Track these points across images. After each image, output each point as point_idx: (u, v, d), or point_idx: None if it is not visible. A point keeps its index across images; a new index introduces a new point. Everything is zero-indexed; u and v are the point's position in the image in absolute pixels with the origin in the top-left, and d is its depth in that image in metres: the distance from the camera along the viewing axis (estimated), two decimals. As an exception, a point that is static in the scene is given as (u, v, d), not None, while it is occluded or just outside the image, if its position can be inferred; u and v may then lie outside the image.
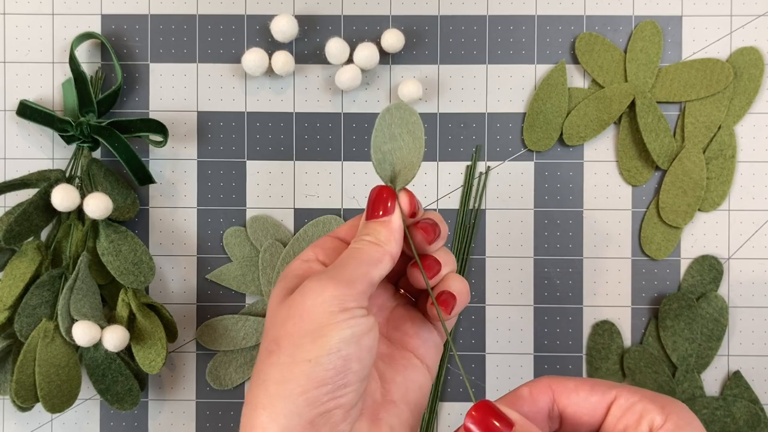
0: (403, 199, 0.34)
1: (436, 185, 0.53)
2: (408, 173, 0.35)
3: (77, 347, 0.48)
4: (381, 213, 0.33)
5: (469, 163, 0.53)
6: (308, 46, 0.53)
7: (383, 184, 0.34)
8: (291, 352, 0.29)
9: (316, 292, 0.30)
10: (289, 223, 0.53)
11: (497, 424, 0.27)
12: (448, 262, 0.35)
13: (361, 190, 0.53)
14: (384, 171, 0.34)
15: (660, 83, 0.52)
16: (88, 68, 0.52)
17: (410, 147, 0.35)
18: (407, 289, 0.37)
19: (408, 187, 0.34)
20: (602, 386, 0.29)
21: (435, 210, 0.53)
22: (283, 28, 0.51)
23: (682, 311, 0.52)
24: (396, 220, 0.33)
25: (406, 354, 0.35)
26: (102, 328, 0.47)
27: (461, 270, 0.52)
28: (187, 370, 0.53)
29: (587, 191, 0.53)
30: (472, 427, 0.27)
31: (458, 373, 0.53)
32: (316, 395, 0.29)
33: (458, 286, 0.35)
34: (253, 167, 0.53)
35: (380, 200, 0.34)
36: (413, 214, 0.34)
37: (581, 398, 0.29)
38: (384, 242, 0.33)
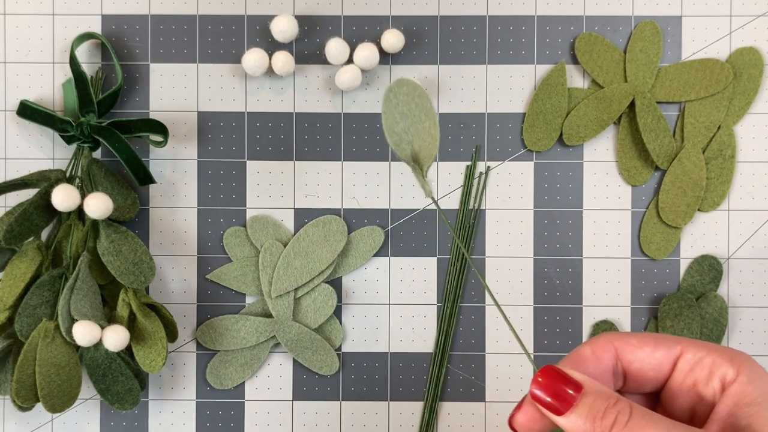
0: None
1: (436, 185, 0.53)
2: (431, 148, 0.32)
3: (77, 347, 0.48)
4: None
5: (469, 163, 0.53)
6: (308, 46, 0.53)
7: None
8: None
9: None
10: (289, 223, 0.53)
11: (565, 388, 0.26)
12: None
13: (361, 190, 0.53)
14: (403, 152, 0.32)
15: (660, 83, 0.52)
16: (88, 68, 0.52)
17: (423, 121, 0.32)
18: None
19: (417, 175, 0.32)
20: (666, 341, 0.28)
21: (435, 210, 0.53)
22: (283, 28, 0.51)
23: (682, 311, 0.52)
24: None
25: None
26: (102, 328, 0.47)
27: (461, 270, 0.53)
28: (187, 370, 0.53)
29: (587, 191, 0.53)
30: (539, 393, 0.26)
31: (458, 373, 0.53)
32: None
33: None
34: (253, 167, 0.53)
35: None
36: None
37: (646, 354, 0.28)
38: None
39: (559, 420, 0.26)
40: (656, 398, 0.30)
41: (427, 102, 0.32)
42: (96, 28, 0.53)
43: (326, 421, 0.53)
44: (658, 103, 0.52)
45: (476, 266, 0.30)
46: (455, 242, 0.53)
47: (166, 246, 0.53)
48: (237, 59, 0.53)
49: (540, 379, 0.27)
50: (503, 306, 0.53)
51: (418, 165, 0.31)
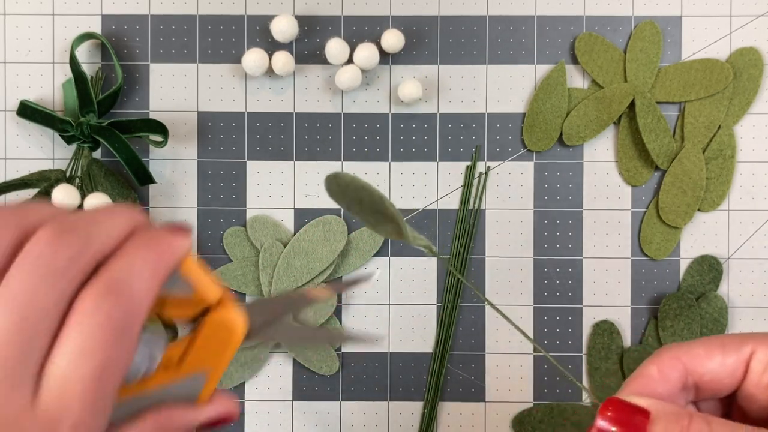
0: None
1: (436, 185, 0.53)
2: (398, 217, 0.32)
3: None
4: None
5: (468, 163, 0.53)
6: (308, 46, 0.53)
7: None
8: None
9: None
10: (289, 223, 0.53)
11: (634, 417, 0.25)
12: None
13: (361, 190, 0.53)
14: (385, 230, 0.32)
15: (660, 83, 0.52)
16: (88, 68, 0.52)
17: (372, 201, 0.32)
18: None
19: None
20: (734, 342, 0.27)
21: (435, 210, 0.53)
22: (283, 28, 0.51)
23: (682, 311, 0.52)
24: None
25: None
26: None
27: (461, 270, 0.53)
28: (187, 370, 0.53)
29: (587, 191, 0.53)
30: (607, 426, 0.25)
31: (458, 373, 0.53)
32: None
33: None
34: (253, 167, 0.53)
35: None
36: None
37: (717, 364, 0.27)
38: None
39: None
40: (730, 399, 0.29)
41: (357, 185, 0.32)
42: (96, 28, 0.53)
43: (326, 421, 0.53)
44: (658, 103, 0.52)
45: (474, 287, 0.30)
46: (454, 247, 0.53)
47: (166, 246, 0.53)
48: (237, 59, 0.53)
49: (608, 413, 0.26)
50: (503, 306, 0.53)
51: (398, 224, 0.31)
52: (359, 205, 0.32)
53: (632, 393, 0.26)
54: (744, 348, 0.27)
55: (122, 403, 0.25)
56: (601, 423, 0.26)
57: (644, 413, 0.25)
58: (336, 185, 0.32)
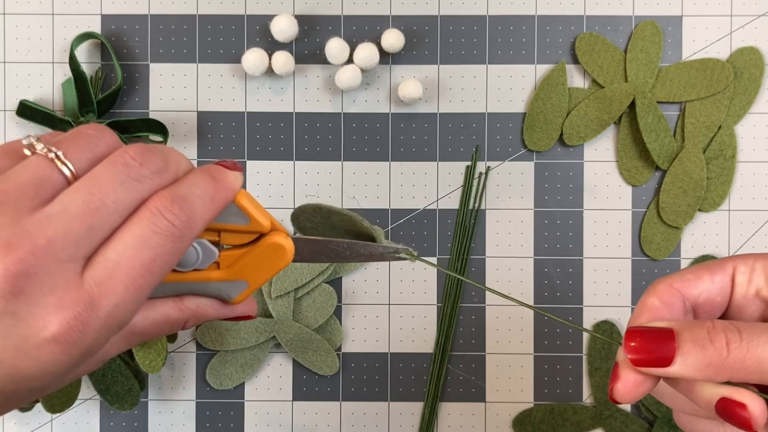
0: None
1: (436, 185, 0.53)
2: (372, 230, 0.33)
3: (77, 347, 0.48)
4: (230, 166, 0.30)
5: (469, 163, 0.53)
6: (308, 46, 0.53)
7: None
8: None
9: None
10: (289, 223, 0.53)
11: (659, 339, 0.26)
12: None
13: (361, 190, 0.53)
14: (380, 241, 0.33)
15: (660, 83, 0.52)
16: (88, 68, 0.52)
17: (343, 222, 0.33)
18: None
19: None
20: (717, 264, 0.29)
21: (435, 210, 0.53)
22: (283, 28, 0.51)
23: (682, 311, 0.52)
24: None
25: None
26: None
27: (461, 270, 0.52)
28: (187, 370, 0.53)
29: (587, 191, 0.53)
30: (637, 357, 0.26)
31: (458, 373, 0.53)
32: None
33: None
34: (253, 167, 0.53)
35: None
36: None
37: (707, 284, 0.29)
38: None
39: (671, 370, 0.26)
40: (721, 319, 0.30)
41: (326, 213, 0.33)
42: (96, 27, 0.53)
43: (326, 421, 0.53)
44: (658, 103, 0.52)
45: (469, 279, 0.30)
46: (454, 247, 0.53)
47: (166, 246, 0.53)
48: (237, 59, 0.53)
49: (632, 344, 0.26)
50: (503, 306, 0.53)
51: (374, 237, 0.32)
52: (333, 230, 0.33)
53: (645, 323, 0.27)
54: (727, 266, 0.29)
55: (167, 284, 0.30)
56: (630, 355, 0.26)
57: (668, 332, 0.26)
58: (305, 220, 0.34)
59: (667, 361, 0.26)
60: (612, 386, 0.27)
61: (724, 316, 0.30)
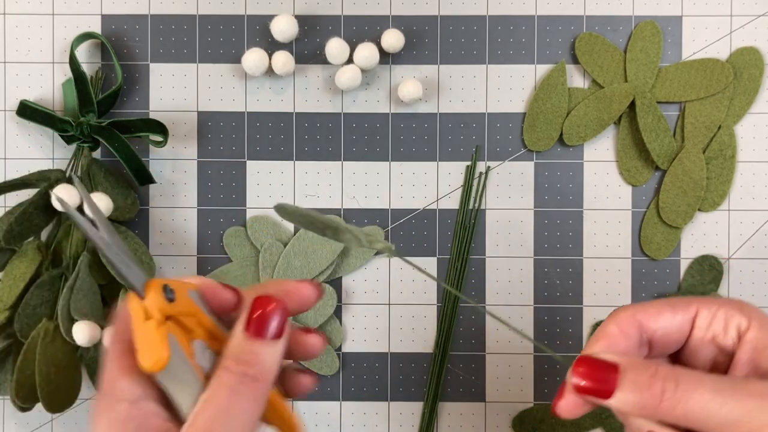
0: (309, 292, 0.31)
1: (436, 185, 0.53)
2: (350, 229, 0.33)
3: (77, 347, 0.48)
4: (272, 333, 0.28)
5: (469, 163, 0.53)
6: (308, 46, 0.53)
7: (265, 293, 0.29)
8: None
9: None
10: (289, 223, 0.53)
11: (604, 371, 0.27)
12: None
13: (361, 190, 0.53)
14: (345, 240, 0.33)
15: (660, 83, 0.52)
16: (88, 68, 0.52)
17: (322, 220, 0.33)
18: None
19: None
20: (681, 303, 0.30)
21: (435, 210, 0.53)
22: (283, 28, 0.51)
23: (682, 311, 0.52)
24: (285, 344, 0.29)
25: None
26: (102, 327, 0.47)
27: (461, 270, 0.52)
28: (187, 370, 0.53)
29: (587, 191, 0.53)
30: (580, 383, 0.28)
31: (458, 373, 0.53)
32: None
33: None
34: (253, 167, 0.53)
35: (271, 314, 0.28)
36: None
37: (667, 320, 0.30)
38: (269, 376, 0.28)
39: (609, 402, 0.27)
40: (676, 358, 0.31)
41: (300, 211, 0.33)
42: (96, 28, 0.53)
43: (326, 421, 0.53)
44: (658, 103, 0.52)
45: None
46: (454, 247, 0.53)
47: (166, 246, 0.53)
48: (237, 59, 0.53)
49: (579, 369, 0.28)
50: (503, 306, 0.53)
51: (352, 235, 0.32)
52: (312, 225, 0.33)
53: (597, 350, 0.29)
54: (690, 307, 0.30)
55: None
56: (574, 379, 0.28)
57: (613, 367, 0.27)
58: (285, 213, 0.33)
59: (606, 394, 0.27)
60: (555, 402, 0.29)
61: (679, 353, 0.31)
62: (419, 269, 0.33)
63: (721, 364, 0.30)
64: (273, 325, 0.28)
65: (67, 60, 0.51)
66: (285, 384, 0.32)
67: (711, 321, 0.29)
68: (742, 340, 0.29)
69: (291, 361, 0.32)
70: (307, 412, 0.53)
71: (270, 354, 0.28)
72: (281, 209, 0.33)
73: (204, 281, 0.30)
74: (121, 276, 0.27)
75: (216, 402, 0.27)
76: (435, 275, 0.53)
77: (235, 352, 0.28)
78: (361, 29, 0.53)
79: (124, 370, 0.28)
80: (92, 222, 0.29)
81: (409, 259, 0.32)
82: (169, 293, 0.27)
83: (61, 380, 0.47)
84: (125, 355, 0.28)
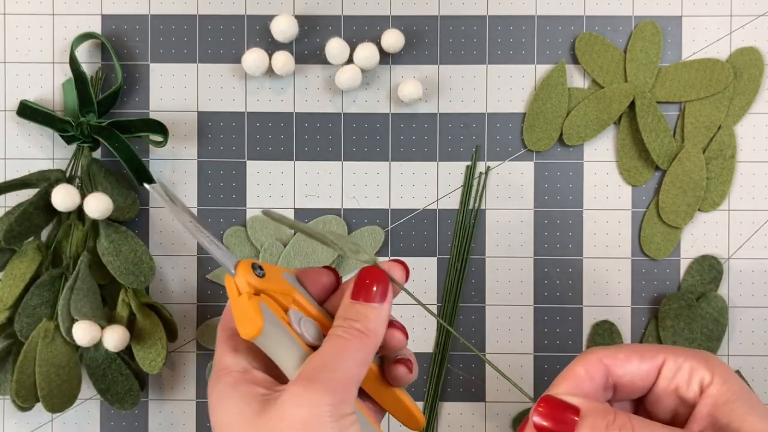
0: (399, 273, 0.33)
1: (436, 185, 0.53)
2: (337, 239, 0.34)
3: (77, 347, 0.48)
4: (376, 298, 0.32)
5: (469, 163, 0.53)
6: (308, 46, 0.53)
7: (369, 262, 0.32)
8: None
9: (311, 402, 0.29)
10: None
11: (565, 413, 0.28)
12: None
13: (361, 190, 0.53)
14: (335, 248, 0.34)
15: (660, 83, 0.52)
16: (88, 68, 0.52)
17: (307, 228, 0.34)
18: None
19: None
20: (650, 352, 0.31)
21: (435, 210, 0.53)
22: (283, 28, 0.51)
23: (682, 311, 0.52)
24: (389, 308, 0.32)
25: None
26: (102, 328, 0.47)
27: (461, 270, 0.53)
28: (187, 370, 0.53)
29: (587, 191, 0.53)
30: (541, 422, 0.28)
31: (458, 373, 0.53)
32: None
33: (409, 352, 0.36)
34: (253, 167, 0.53)
35: (374, 282, 0.32)
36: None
37: (634, 367, 0.30)
38: (375, 333, 0.31)
39: None
40: (639, 402, 0.32)
41: (286, 220, 0.34)
42: (96, 28, 0.53)
43: (326, 421, 0.53)
44: (658, 103, 0.52)
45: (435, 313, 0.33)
46: (454, 247, 0.53)
47: (166, 246, 0.53)
48: (237, 59, 0.53)
49: (540, 409, 0.29)
50: (503, 306, 0.53)
51: (336, 246, 0.33)
52: (300, 230, 0.34)
53: (563, 392, 0.30)
54: (658, 356, 0.30)
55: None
56: (535, 418, 0.29)
57: (574, 410, 0.28)
58: (272, 218, 0.34)
59: None
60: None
61: (642, 399, 0.32)
62: (404, 289, 0.34)
63: (682, 416, 0.30)
64: (377, 290, 0.32)
65: (67, 60, 0.51)
66: (386, 374, 0.35)
67: (676, 372, 0.30)
68: (703, 393, 0.29)
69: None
70: (307, 412, 0.53)
71: (376, 314, 0.31)
72: (267, 214, 0.34)
73: (301, 269, 0.34)
74: (216, 257, 0.31)
75: (324, 351, 0.30)
76: (435, 276, 0.53)
77: (343, 314, 0.31)
78: (361, 29, 0.53)
79: (229, 348, 0.31)
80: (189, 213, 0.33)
81: (394, 277, 0.34)
82: (257, 270, 0.31)
83: (61, 380, 0.47)
84: (231, 339, 0.32)
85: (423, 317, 0.53)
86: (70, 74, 0.51)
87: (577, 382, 0.30)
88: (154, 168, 0.52)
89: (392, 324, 0.34)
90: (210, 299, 0.53)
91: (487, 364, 0.53)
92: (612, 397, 0.31)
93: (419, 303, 0.34)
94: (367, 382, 0.34)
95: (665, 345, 0.31)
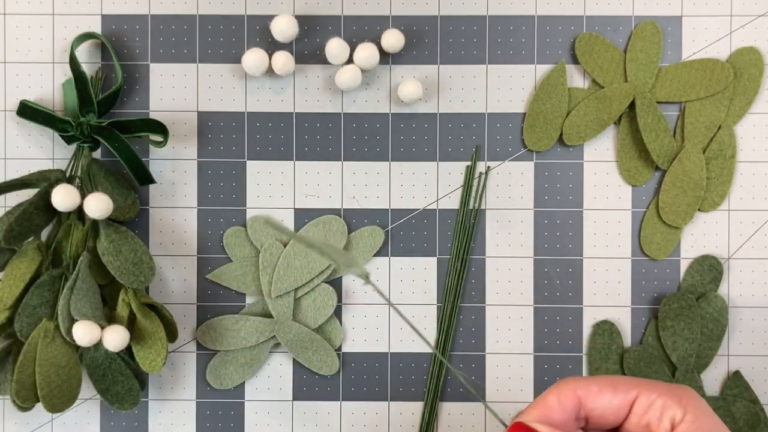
0: None
1: (436, 185, 0.53)
2: (333, 253, 0.34)
3: (77, 347, 0.48)
4: None
5: (469, 163, 0.53)
6: (308, 46, 0.53)
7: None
8: None
9: None
10: (289, 223, 0.53)
11: None
12: None
13: (361, 190, 0.53)
14: (330, 258, 0.34)
15: (660, 83, 0.52)
16: (88, 68, 0.52)
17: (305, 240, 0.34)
18: None
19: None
20: (624, 386, 0.31)
21: (435, 210, 0.53)
22: (283, 28, 0.51)
23: (682, 311, 0.52)
24: None
25: None
26: (102, 328, 0.47)
27: (461, 270, 0.52)
28: (187, 370, 0.53)
29: (587, 191, 0.53)
30: None
31: (458, 373, 0.53)
32: None
33: None
34: (253, 167, 0.53)
35: None
36: None
37: (606, 400, 0.31)
38: None
39: None
40: None
41: (287, 232, 0.34)
42: (96, 28, 0.53)
43: (326, 421, 0.53)
44: (658, 103, 0.52)
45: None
46: (454, 247, 0.53)
47: (166, 246, 0.53)
48: (237, 59, 0.53)
49: None
50: (503, 306, 0.53)
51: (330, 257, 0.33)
52: (299, 241, 0.34)
53: (534, 419, 0.31)
54: (631, 391, 0.31)
55: None
56: None
57: None
58: (273, 228, 0.34)
59: None
60: None
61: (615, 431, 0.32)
62: (392, 305, 0.33)
63: None
64: None
65: (67, 60, 0.51)
66: None
67: (648, 408, 0.30)
68: (674, 431, 0.30)
69: None
70: (307, 412, 0.53)
71: None
72: (269, 224, 0.34)
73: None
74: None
75: None
76: (435, 276, 0.53)
77: None
78: (361, 29, 0.53)
79: None
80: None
81: (382, 291, 0.34)
82: None
83: (61, 380, 0.47)
84: None
85: (423, 317, 0.53)
86: (70, 74, 0.51)
87: (548, 411, 0.31)
88: (154, 168, 0.52)
89: None
90: (210, 299, 0.53)
91: (486, 364, 0.53)
92: (584, 426, 0.32)
93: (395, 308, 0.34)
94: None
95: (642, 379, 0.32)
